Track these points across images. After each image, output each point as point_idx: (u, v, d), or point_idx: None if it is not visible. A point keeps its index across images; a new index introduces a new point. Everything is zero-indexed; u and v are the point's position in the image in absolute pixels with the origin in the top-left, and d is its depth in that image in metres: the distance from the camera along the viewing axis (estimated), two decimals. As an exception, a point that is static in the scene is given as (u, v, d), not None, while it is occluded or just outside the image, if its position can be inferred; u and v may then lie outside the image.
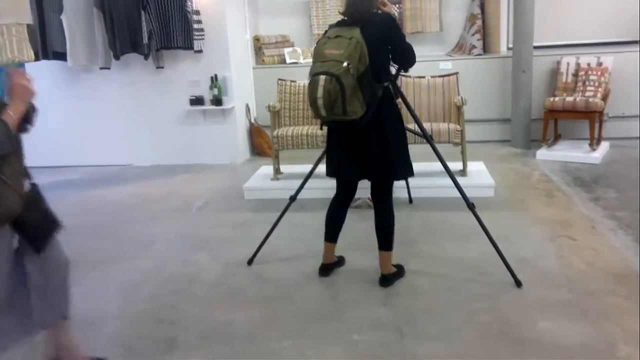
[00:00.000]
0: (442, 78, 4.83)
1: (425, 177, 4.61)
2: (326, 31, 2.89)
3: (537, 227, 3.80)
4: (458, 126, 4.51)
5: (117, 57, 5.54)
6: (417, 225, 3.94)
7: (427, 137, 3.29)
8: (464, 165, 4.68)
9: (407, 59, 2.93)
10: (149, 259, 3.65)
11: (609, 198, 4.34)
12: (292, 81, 5.05)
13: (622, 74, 5.74)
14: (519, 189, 4.66)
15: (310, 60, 3.32)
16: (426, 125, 4.51)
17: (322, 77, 2.63)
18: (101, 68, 5.60)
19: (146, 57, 5.51)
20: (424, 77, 4.88)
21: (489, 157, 5.68)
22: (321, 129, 4.28)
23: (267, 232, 3.51)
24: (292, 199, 3.44)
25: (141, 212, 4.62)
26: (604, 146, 5.60)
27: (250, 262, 3.47)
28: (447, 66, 6.22)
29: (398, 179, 3.11)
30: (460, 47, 6.56)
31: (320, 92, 2.64)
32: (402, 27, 6.43)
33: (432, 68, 6.16)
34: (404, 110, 3.13)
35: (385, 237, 3.09)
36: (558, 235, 3.65)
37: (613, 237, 3.61)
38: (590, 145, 5.43)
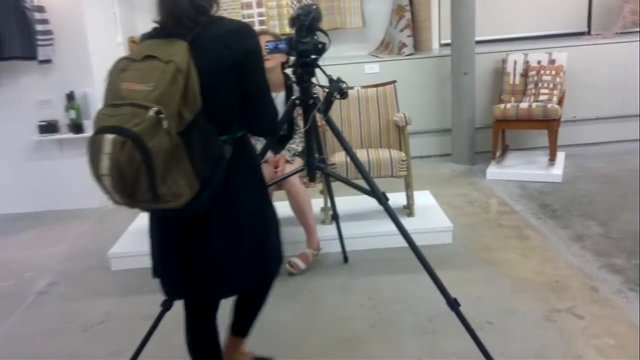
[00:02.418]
0: (375, 89, 3.73)
1: (358, 220, 3.51)
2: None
3: (523, 297, 2.78)
4: (402, 154, 3.42)
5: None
6: (361, 308, 2.81)
7: (380, 198, 2.17)
8: (410, 204, 3.61)
9: (259, 113, 1.78)
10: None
11: (594, 235, 3.42)
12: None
13: (574, 72, 4.91)
14: (480, 229, 3.65)
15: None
16: (360, 156, 3.39)
17: (109, 139, 1.44)
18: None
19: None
20: (351, 87, 3.75)
21: (431, 179, 4.67)
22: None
23: (138, 346, 2.25)
24: (165, 307, 2.14)
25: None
26: (560, 158, 4.74)
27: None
28: (373, 69, 5.15)
29: (255, 286, 1.88)
30: (387, 46, 5.52)
31: (106, 166, 1.46)
32: (317, 22, 5.30)
33: (357, 72, 5.08)
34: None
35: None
36: (557, 311, 2.64)
37: (625, 304, 2.66)
38: (550, 159, 4.54)
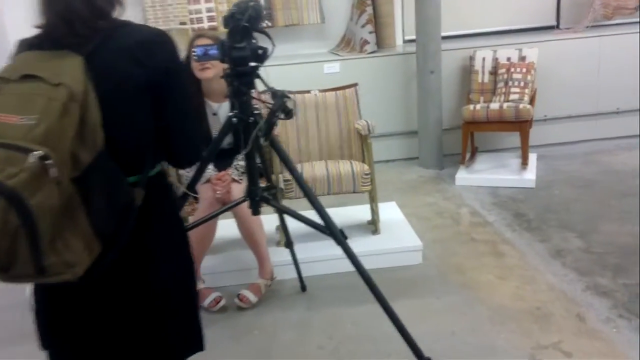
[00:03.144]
0: (335, 93, 3.37)
1: (318, 240, 3.13)
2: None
3: (504, 330, 2.46)
4: (366, 167, 3.06)
5: None
6: (321, 351, 2.44)
7: (337, 237, 1.82)
8: (375, 219, 3.26)
9: (183, 144, 1.39)
10: None
11: (575, 250, 3.14)
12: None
13: (544, 68, 4.64)
14: (452, 244, 3.33)
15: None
16: (318, 169, 3.03)
17: None
18: None
19: None
20: (308, 91, 3.38)
21: (397, 186, 4.34)
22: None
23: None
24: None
25: None
26: (532, 160, 4.47)
27: None
28: (333, 68, 4.78)
29: None
30: (348, 43, 5.15)
31: None
32: (273, 19, 4.91)
33: (315, 72, 4.71)
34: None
35: None
36: (543, 347, 2.33)
37: (617, 335, 2.37)
38: (523, 163, 4.26)
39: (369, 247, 3.05)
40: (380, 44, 5.12)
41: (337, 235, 1.86)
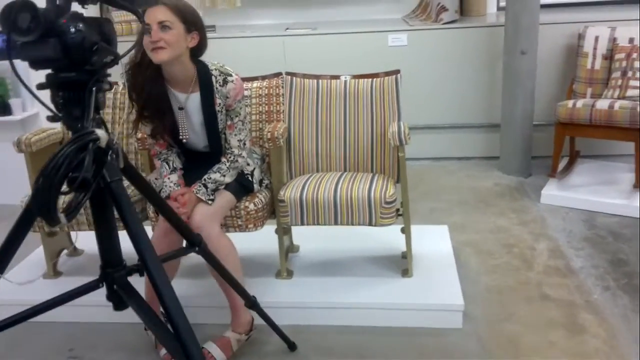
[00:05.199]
0: (370, 81, 2.50)
1: (319, 274, 2.39)
2: None
3: None
4: (391, 191, 2.20)
5: None
6: None
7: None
8: (408, 257, 2.42)
9: None
10: None
11: (695, 337, 2.14)
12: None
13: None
14: (511, 300, 2.42)
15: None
16: (324, 189, 2.23)
17: None
18: None
19: None
20: (338, 77, 2.55)
21: (462, 197, 3.44)
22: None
23: None
24: None
25: None
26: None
27: None
28: (399, 40, 3.88)
29: None
30: (425, 9, 4.19)
31: None
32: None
33: (378, 44, 3.88)
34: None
35: None
36: None
37: None
38: (636, 184, 3.17)
39: (389, 295, 2.26)
40: (465, 10, 4.13)
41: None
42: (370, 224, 2.18)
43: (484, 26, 3.85)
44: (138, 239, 1.11)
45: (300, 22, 4.30)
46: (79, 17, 1.04)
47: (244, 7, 4.38)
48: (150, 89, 2.04)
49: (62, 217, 0.97)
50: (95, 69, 1.07)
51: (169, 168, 2.14)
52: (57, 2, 1.02)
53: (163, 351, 2.10)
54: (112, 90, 2.67)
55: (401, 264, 2.48)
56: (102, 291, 1.33)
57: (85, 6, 1.06)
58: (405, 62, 3.80)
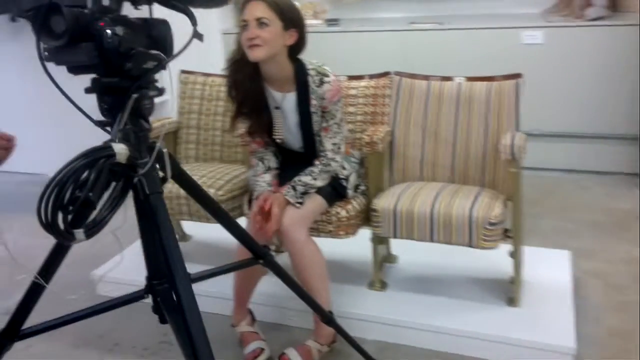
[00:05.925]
0: (486, 84, 2.25)
1: (418, 289, 2.19)
2: None
3: None
4: (497, 211, 1.95)
5: (13, 19, 3.70)
6: None
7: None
8: (516, 283, 2.15)
9: None
10: None
11: None
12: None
13: None
14: (638, 350, 2.06)
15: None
16: (422, 202, 2.04)
17: None
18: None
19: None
20: (450, 78, 2.33)
21: (594, 217, 3.06)
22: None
23: None
24: None
25: None
26: None
27: None
28: (534, 38, 3.53)
29: None
30: (568, 3, 3.75)
31: None
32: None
33: (511, 41, 3.58)
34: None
35: None
36: None
37: None
38: None
39: (489, 325, 2.03)
40: (617, 5, 3.64)
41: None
42: (469, 245, 1.95)
43: (635, 24, 3.35)
44: (170, 254, 1.04)
45: (427, 15, 4.07)
46: (119, 19, 0.99)
47: (370, 0, 4.24)
48: (249, 86, 1.99)
49: (79, 233, 0.92)
50: (138, 75, 1.01)
51: (264, 167, 2.09)
52: (104, 4, 0.97)
53: (248, 348, 2.07)
54: (202, 82, 2.71)
55: (508, 290, 2.22)
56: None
57: (139, 7, 1.01)
58: (540, 62, 3.47)
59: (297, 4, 2.02)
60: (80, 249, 1.20)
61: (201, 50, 3.34)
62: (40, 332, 1.22)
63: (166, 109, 3.57)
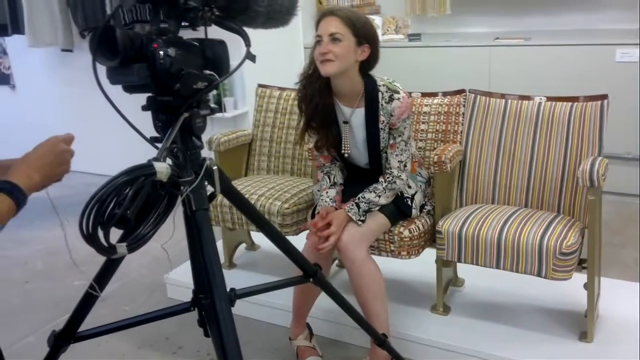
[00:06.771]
0: (569, 105, 2.13)
1: (489, 319, 2.09)
2: None
3: None
4: (570, 240, 1.83)
5: (82, 35, 3.84)
6: None
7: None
8: (590, 319, 2.01)
9: None
10: None
11: None
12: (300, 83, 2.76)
13: None
14: None
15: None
16: (490, 227, 1.95)
17: None
18: (62, 50, 3.95)
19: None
20: (530, 98, 2.22)
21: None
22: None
23: None
24: None
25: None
26: None
27: None
28: (629, 56, 3.31)
29: None
30: (669, 18, 3.50)
31: None
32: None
33: (604, 59, 3.37)
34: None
35: None
36: None
37: None
38: None
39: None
40: None
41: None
42: (539, 275, 1.85)
43: None
44: (210, 271, 1.05)
45: (512, 31, 3.93)
46: (173, 41, 1.01)
47: (454, 14, 4.14)
48: (319, 100, 2.00)
49: (122, 247, 0.95)
50: (188, 94, 1.03)
51: (329, 182, 2.09)
52: (161, 26, 1.01)
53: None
54: (278, 96, 2.75)
55: (582, 324, 2.07)
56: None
57: (197, 29, 1.03)
58: (635, 82, 3.24)
59: (372, 19, 2.01)
60: (161, 250, 1.24)
61: (286, 64, 3.40)
62: (93, 337, 1.28)
63: (247, 121, 3.67)
